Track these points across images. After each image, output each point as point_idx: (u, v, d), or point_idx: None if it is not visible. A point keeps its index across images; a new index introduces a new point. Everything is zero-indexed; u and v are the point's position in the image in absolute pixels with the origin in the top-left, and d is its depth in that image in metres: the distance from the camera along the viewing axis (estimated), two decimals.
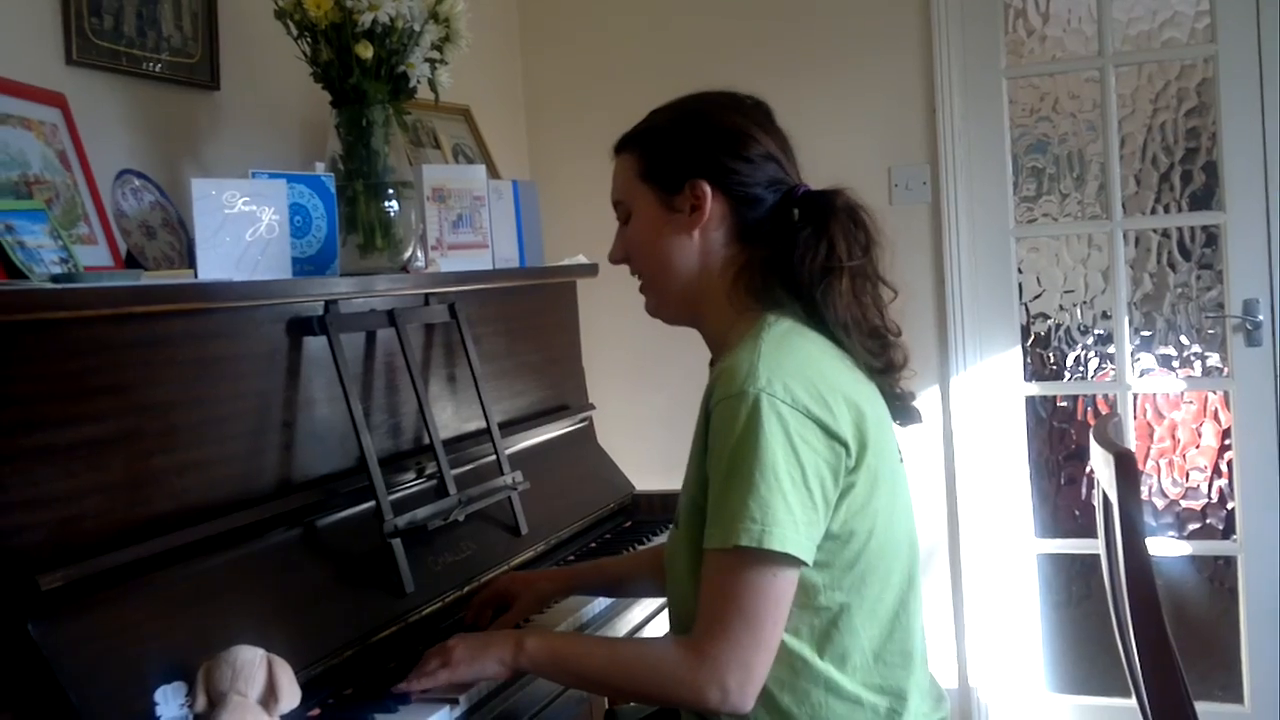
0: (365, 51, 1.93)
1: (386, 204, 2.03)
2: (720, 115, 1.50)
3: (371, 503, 1.74)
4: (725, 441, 1.33)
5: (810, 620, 1.39)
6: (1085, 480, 3.14)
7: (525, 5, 3.41)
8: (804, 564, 1.33)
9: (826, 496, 1.34)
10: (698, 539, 1.37)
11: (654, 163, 1.51)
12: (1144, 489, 3.06)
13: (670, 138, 1.51)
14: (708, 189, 1.47)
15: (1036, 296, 3.17)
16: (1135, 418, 3.08)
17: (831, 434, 1.34)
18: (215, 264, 1.63)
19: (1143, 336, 3.08)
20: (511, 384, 2.33)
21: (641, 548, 2.25)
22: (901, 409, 1.53)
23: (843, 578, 1.39)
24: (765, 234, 1.47)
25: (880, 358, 1.47)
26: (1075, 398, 3.19)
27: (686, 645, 1.34)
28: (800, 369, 1.36)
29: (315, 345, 1.74)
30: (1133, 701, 1.73)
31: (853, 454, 1.36)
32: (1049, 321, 3.18)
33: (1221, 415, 3.03)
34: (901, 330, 1.51)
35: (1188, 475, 3.08)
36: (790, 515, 1.30)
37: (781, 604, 1.33)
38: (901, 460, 1.51)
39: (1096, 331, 3.13)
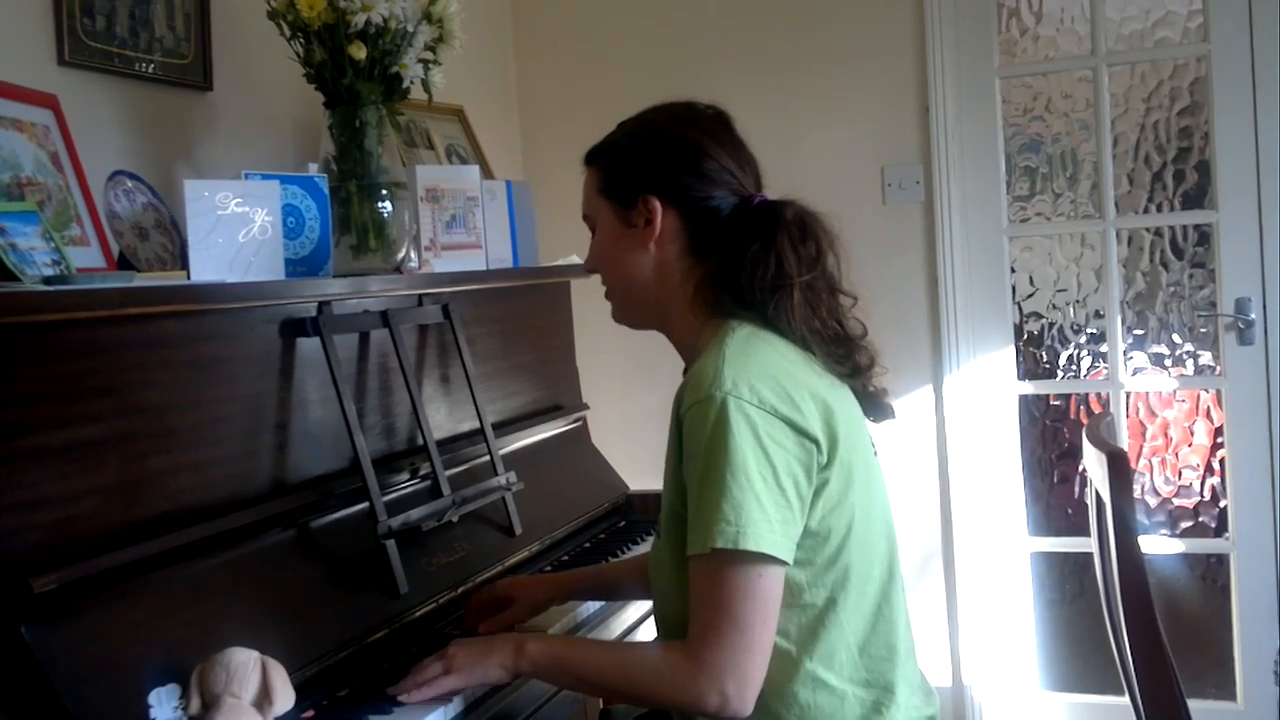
0: (358, 52, 1.93)
1: (380, 205, 2.03)
2: (674, 129, 1.52)
3: (365, 504, 1.74)
4: (697, 447, 1.34)
5: (797, 619, 1.39)
6: (1078, 479, 3.15)
7: (518, 5, 3.41)
8: (784, 563, 1.33)
9: (801, 494, 1.35)
10: (679, 545, 1.37)
11: (611, 178, 1.54)
12: (1137, 487, 3.07)
13: (624, 154, 1.54)
14: (658, 205, 1.48)
15: (1029, 295, 3.18)
16: (1128, 416, 3.09)
17: (801, 431, 1.35)
18: (208, 265, 1.63)
19: (1135, 335, 3.09)
20: (505, 384, 2.33)
21: (634, 551, 2.25)
22: (874, 406, 1.54)
23: (825, 574, 1.39)
24: (720, 247, 1.48)
25: (845, 363, 1.47)
26: (1068, 396, 3.19)
27: (684, 652, 1.35)
28: (765, 369, 1.37)
29: (309, 346, 1.74)
30: (1126, 699, 1.74)
31: (824, 450, 1.37)
32: (1042, 320, 3.18)
33: (1214, 413, 3.04)
34: (867, 330, 1.52)
35: (1180, 473, 3.09)
36: (764, 515, 1.30)
37: (769, 604, 1.33)
38: (876, 454, 1.52)
39: (1089, 330, 3.14)
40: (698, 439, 1.34)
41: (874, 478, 1.48)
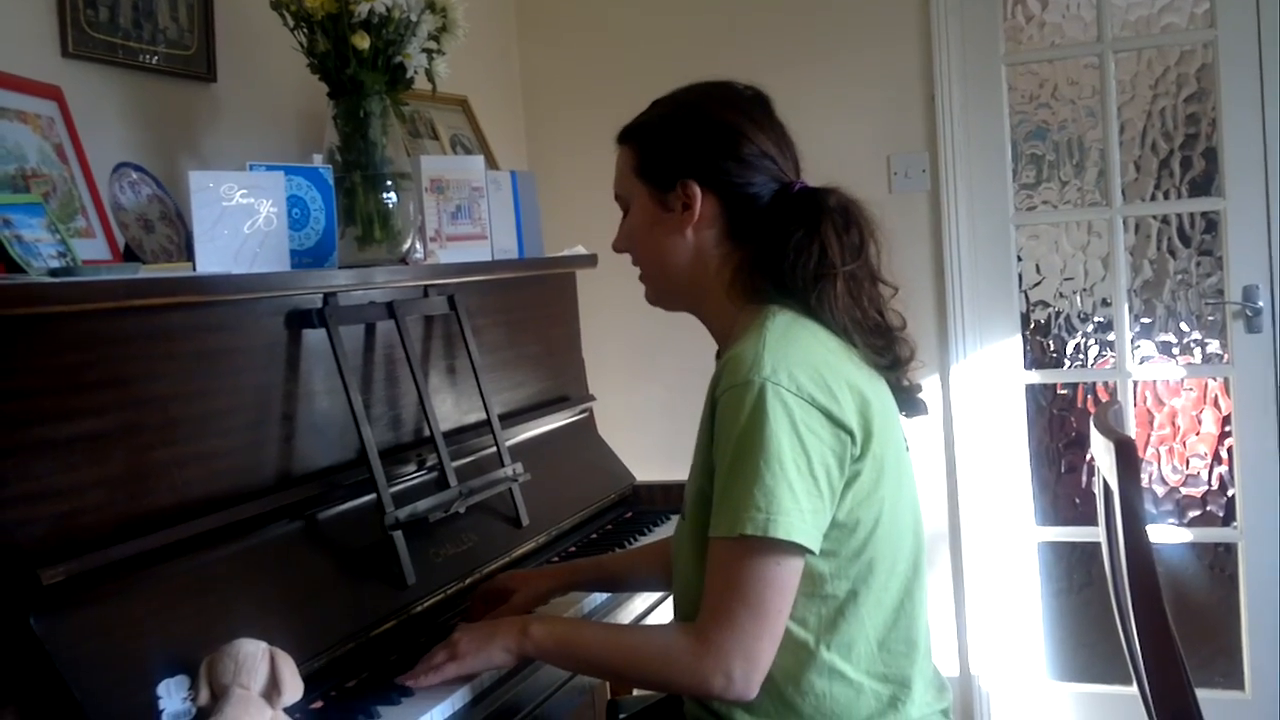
0: (362, 42, 1.92)
1: (385, 195, 2.03)
2: (714, 112, 1.49)
3: (372, 495, 1.74)
4: (731, 431, 1.33)
5: (817, 609, 1.39)
6: (1085, 468, 3.14)
7: None
8: (810, 552, 1.33)
9: (832, 484, 1.35)
10: (705, 527, 1.37)
11: (648, 160, 1.51)
12: (1144, 476, 3.06)
13: (663, 136, 1.51)
14: (697, 190, 1.47)
15: (1036, 284, 3.17)
16: (1135, 405, 3.08)
17: (837, 422, 1.34)
18: (213, 257, 1.63)
19: (1143, 323, 3.08)
20: (511, 375, 2.33)
21: (640, 542, 2.25)
22: (908, 401, 1.53)
23: (849, 566, 1.39)
24: (760, 234, 1.46)
25: (886, 354, 1.46)
26: (1075, 385, 3.18)
27: (691, 632, 1.35)
28: (805, 358, 1.36)
29: (314, 338, 1.74)
30: (1134, 689, 1.74)
31: (858, 442, 1.36)
32: (1049, 309, 3.17)
33: (1221, 402, 3.03)
34: (906, 323, 1.51)
35: (1188, 462, 3.08)
36: (796, 504, 1.30)
37: (786, 592, 1.33)
38: (908, 449, 1.51)
39: (1096, 319, 3.13)
40: (733, 422, 1.33)
41: (905, 473, 1.47)
